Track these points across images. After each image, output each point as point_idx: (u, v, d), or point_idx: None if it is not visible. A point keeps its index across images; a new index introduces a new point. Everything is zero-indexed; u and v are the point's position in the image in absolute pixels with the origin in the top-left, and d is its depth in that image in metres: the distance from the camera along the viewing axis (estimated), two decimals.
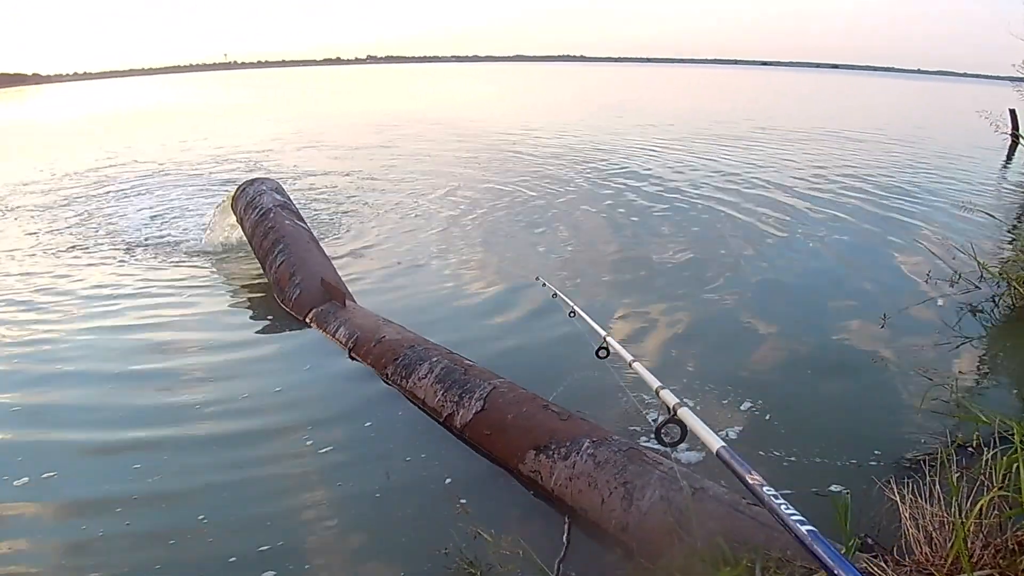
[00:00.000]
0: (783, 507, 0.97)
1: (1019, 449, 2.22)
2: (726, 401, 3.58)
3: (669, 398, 1.49)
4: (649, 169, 11.64)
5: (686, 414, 1.40)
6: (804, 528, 0.91)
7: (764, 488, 1.03)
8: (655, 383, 1.64)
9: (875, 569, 1.91)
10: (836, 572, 0.83)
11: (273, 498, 2.86)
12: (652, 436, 3.13)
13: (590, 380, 3.81)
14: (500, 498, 2.82)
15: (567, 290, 5.26)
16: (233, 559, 2.48)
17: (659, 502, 2.37)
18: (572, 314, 2.84)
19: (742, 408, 3.50)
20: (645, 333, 4.64)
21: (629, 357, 1.99)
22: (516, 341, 4.52)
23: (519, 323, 4.84)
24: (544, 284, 3.32)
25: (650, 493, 2.41)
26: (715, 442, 1.22)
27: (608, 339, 2.23)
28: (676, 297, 5.35)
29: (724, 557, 2.02)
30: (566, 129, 18.13)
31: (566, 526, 2.58)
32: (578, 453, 2.68)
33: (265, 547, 2.52)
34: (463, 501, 2.76)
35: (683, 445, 3.09)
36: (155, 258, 6.33)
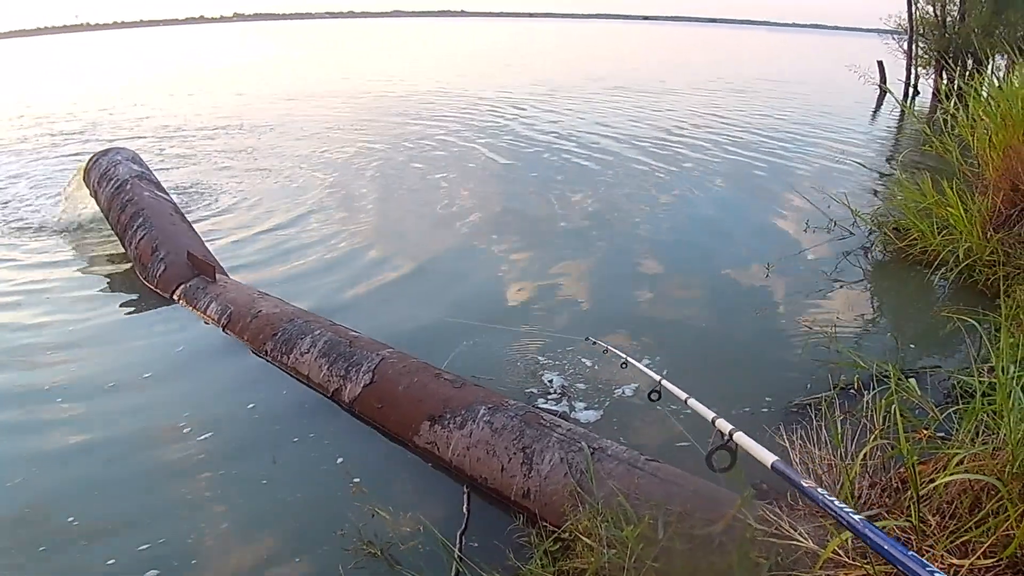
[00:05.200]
0: (834, 503, 1.06)
1: (894, 392, 2.29)
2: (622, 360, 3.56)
3: (724, 426, 1.53)
4: (538, 125, 11.68)
5: (741, 437, 1.46)
6: (855, 517, 1.00)
7: (818, 491, 1.13)
8: (710, 414, 1.67)
9: (771, 515, 1.92)
10: (892, 553, 0.89)
11: (151, 491, 2.66)
12: (546, 407, 3.13)
13: (482, 345, 3.73)
14: (396, 473, 2.72)
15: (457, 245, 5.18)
16: (112, 561, 2.29)
17: (559, 465, 2.34)
18: (624, 365, 2.75)
19: (643, 363, 3.49)
20: (542, 292, 4.63)
21: (684, 395, 1.98)
22: (398, 310, 4.38)
23: (406, 289, 4.70)
24: (595, 342, 3.23)
25: (550, 456, 2.38)
26: (768, 457, 1.32)
27: (663, 382, 2.16)
28: (568, 254, 5.38)
29: (627, 515, 1.99)
30: (453, 86, 17.82)
31: (466, 496, 2.53)
32: (474, 421, 2.62)
33: (145, 545, 2.34)
34: (357, 479, 2.64)
35: (580, 403, 3.12)
36: (2, 238, 5.72)
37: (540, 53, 36.78)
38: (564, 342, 3.71)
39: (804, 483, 1.17)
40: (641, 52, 40.58)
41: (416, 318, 4.22)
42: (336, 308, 4.14)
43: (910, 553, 0.86)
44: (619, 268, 5.12)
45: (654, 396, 2.19)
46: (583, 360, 3.52)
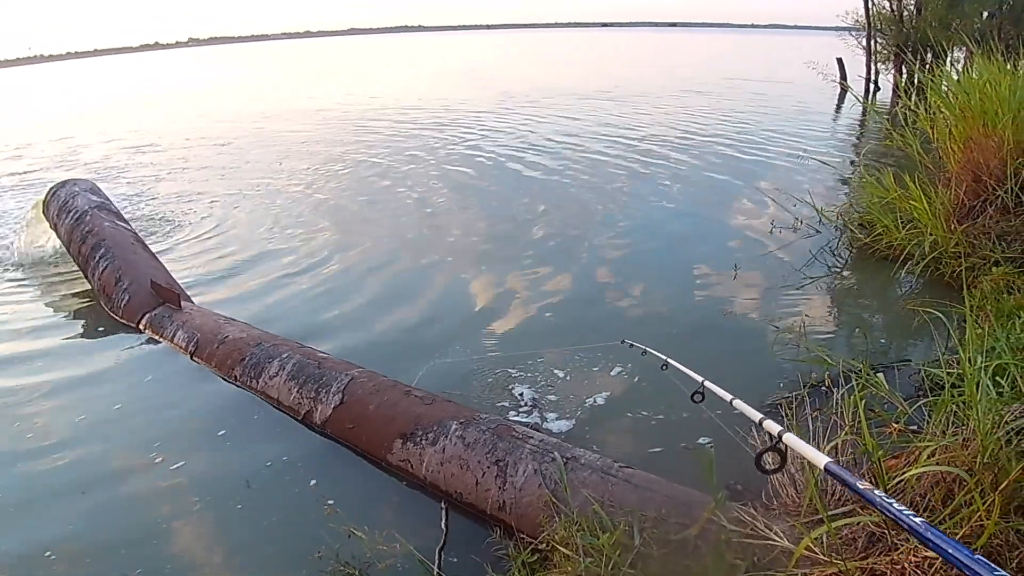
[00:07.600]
0: (893, 506, 1.04)
1: (857, 388, 2.29)
2: (596, 368, 3.58)
3: (773, 427, 1.52)
4: (504, 134, 11.73)
5: (791, 439, 1.44)
6: (915, 520, 0.98)
7: (875, 492, 1.10)
8: (757, 416, 1.65)
9: (746, 516, 1.92)
10: (951, 554, 0.89)
11: (126, 522, 2.64)
12: (518, 415, 3.11)
13: (451, 361, 3.71)
14: (371, 493, 2.70)
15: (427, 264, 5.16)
16: None
17: (533, 476, 2.33)
18: (664, 367, 2.72)
19: (612, 374, 3.52)
20: (512, 301, 4.63)
21: (728, 396, 1.95)
22: (367, 328, 4.35)
23: (369, 310, 4.65)
24: (632, 345, 3.21)
25: (523, 468, 2.36)
26: (821, 459, 1.30)
27: (705, 383, 2.15)
28: (541, 266, 5.36)
29: (602, 523, 1.98)
30: (417, 102, 17.80)
31: (443, 512, 2.51)
32: (446, 436, 2.60)
33: None
34: (331, 501, 2.62)
35: (552, 414, 3.10)
36: None
37: (510, 67, 36.79)
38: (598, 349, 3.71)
39: (859, 484, 1.15)
40: (605, 60, 40.69)
41: (382, 333, 4.22)
42: (314, 332, 4.12)
43: (976, 556, 0.85)
44: (594, 275, 5.13)
45: (697, 398, 2.19)
46: (555, 372, 3.53)
